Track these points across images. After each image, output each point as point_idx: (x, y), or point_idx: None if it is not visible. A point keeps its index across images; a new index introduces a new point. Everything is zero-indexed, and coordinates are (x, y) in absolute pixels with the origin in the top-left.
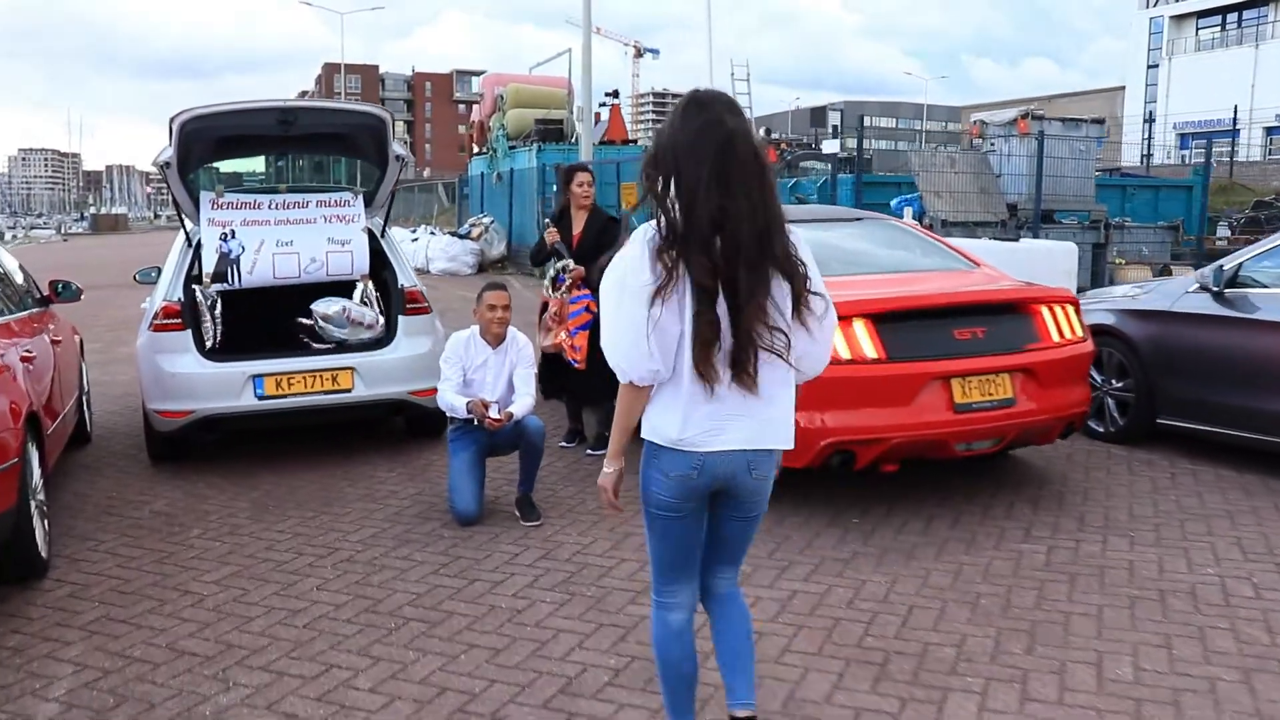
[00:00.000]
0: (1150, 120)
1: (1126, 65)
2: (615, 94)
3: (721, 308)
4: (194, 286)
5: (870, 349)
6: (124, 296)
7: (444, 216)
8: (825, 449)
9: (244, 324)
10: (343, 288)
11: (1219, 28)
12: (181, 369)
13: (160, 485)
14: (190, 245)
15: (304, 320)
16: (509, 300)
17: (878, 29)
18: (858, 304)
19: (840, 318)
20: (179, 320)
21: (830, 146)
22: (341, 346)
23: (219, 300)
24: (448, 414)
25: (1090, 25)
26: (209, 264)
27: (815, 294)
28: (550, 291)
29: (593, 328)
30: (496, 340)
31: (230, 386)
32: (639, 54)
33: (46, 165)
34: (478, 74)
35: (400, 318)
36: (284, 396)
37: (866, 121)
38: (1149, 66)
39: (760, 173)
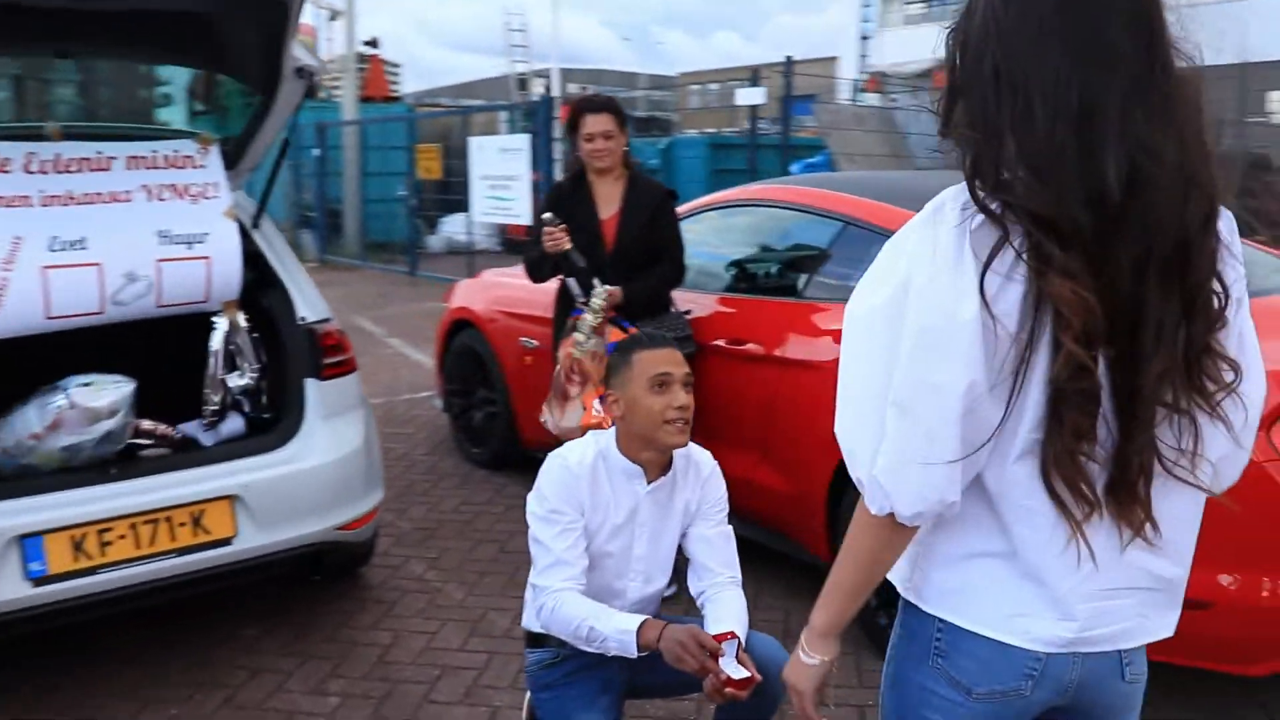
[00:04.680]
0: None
1: (839, 36)
2: (374, 43)
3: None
4: None
5: None
6: None
7: None
8: None
9: None
10: (182, 329)
11: (925, 3)
12: None
13: None
14: None
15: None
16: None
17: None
18: None
19: None
20: None
21: (753, 96)
22: (201, 452)
23: None
24: (565, 639)
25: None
26: None
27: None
28: (582, 343)
29: None
30: (663, 463)
31: None
32: (333, 16)
33: None
34: None
35: (310, 385)
36: (91, 571)
37: (573, 88)
38: (861, 38)
39: (1196, 93)
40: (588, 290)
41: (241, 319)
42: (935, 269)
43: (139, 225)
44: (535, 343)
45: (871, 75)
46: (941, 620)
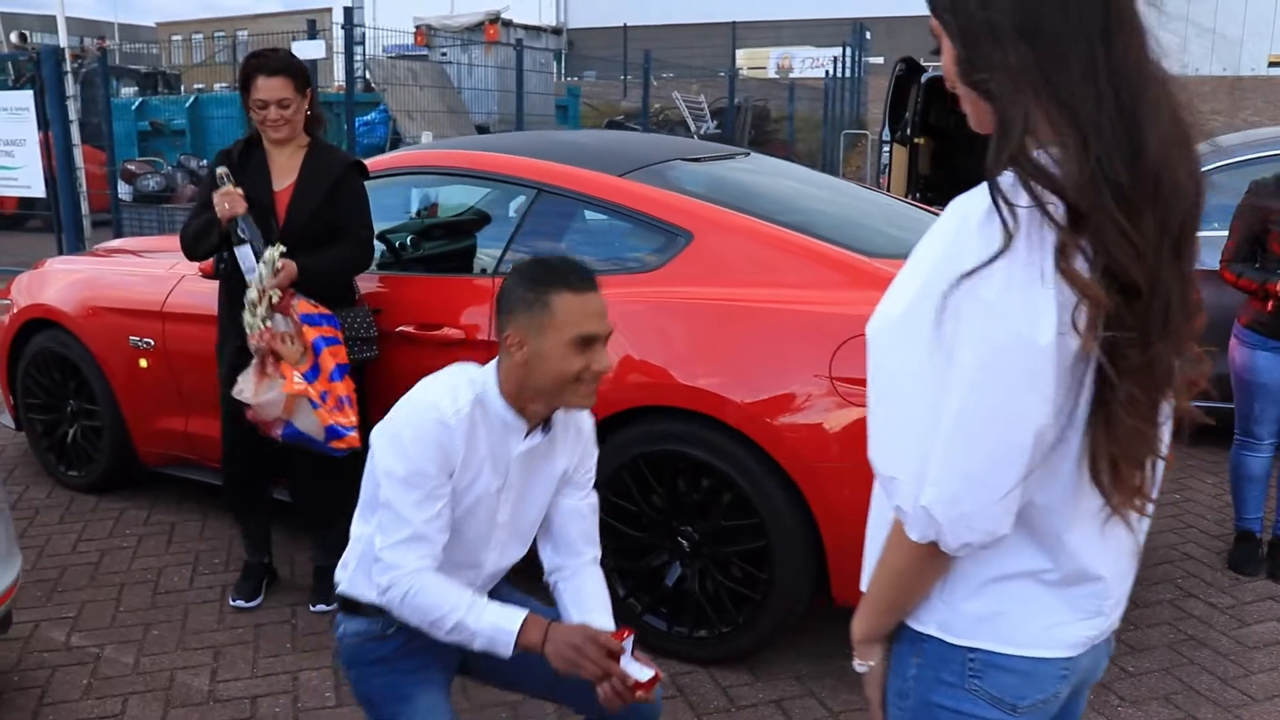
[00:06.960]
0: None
1: None
2: None
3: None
4: None
5: None
6: None
7: None
8: None
9: None
10: None
11: None
12: None
13: None
14: None
15: None
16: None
17: None
18: None
19: None
20: None
21: (311, 50)
22: None
23: None
24: (417, 627)
25: None
26: None
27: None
28: (254, 317)
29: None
30: (546, 417)
31: None
32: None
33: None
34: None
35: None
36: None
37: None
38: None
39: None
40: (264, 261)
41: None
42: (1008, 280)
43: None
44: (150, 342)
45: (419, 28)
46: (977, 650)
